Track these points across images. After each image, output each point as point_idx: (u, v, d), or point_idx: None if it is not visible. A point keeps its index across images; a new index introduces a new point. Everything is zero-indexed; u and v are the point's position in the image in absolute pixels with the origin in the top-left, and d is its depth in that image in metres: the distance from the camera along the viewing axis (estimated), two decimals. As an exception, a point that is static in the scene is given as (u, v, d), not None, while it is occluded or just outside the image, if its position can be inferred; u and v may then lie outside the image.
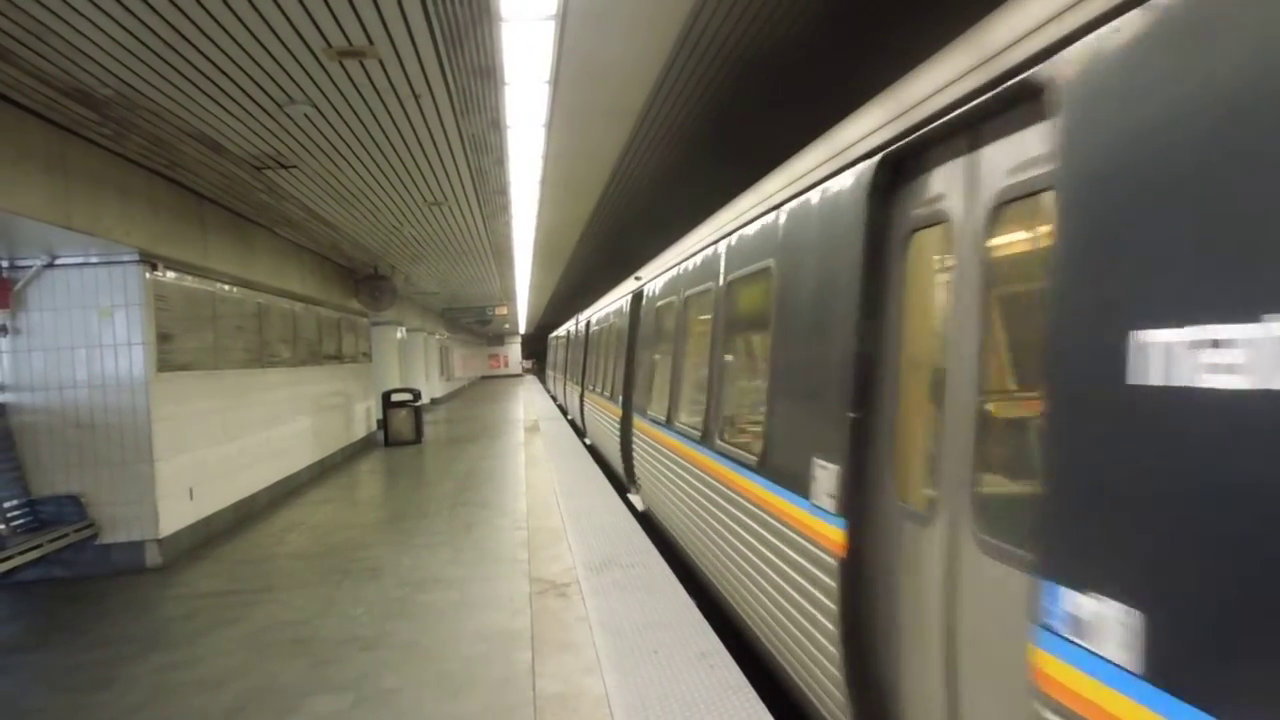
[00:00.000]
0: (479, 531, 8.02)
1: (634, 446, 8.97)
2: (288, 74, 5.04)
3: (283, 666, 4.80)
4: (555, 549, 6.93)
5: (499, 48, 5.06)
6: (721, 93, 6.69)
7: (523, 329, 54.04)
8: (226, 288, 9.14)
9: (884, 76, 3.14)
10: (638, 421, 8.67)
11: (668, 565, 6.21)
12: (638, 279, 9.59)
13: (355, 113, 5.88)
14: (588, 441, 14.79)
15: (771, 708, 3.91)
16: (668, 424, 6.81)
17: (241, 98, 5.39)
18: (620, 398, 10.27)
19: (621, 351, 10.54)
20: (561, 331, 25.39)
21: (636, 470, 8.83)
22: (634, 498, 9.10)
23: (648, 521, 8.09)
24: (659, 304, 7.82)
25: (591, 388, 13.90)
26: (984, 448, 2.38)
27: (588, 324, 15.77)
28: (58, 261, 7.12)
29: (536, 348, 63.10)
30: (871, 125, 3.07)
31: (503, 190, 9.12)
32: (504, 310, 28.48)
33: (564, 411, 21.61)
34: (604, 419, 11.96)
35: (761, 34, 5.61)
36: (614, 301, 12.02)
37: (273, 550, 7.76)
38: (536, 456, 12.87)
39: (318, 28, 4.41)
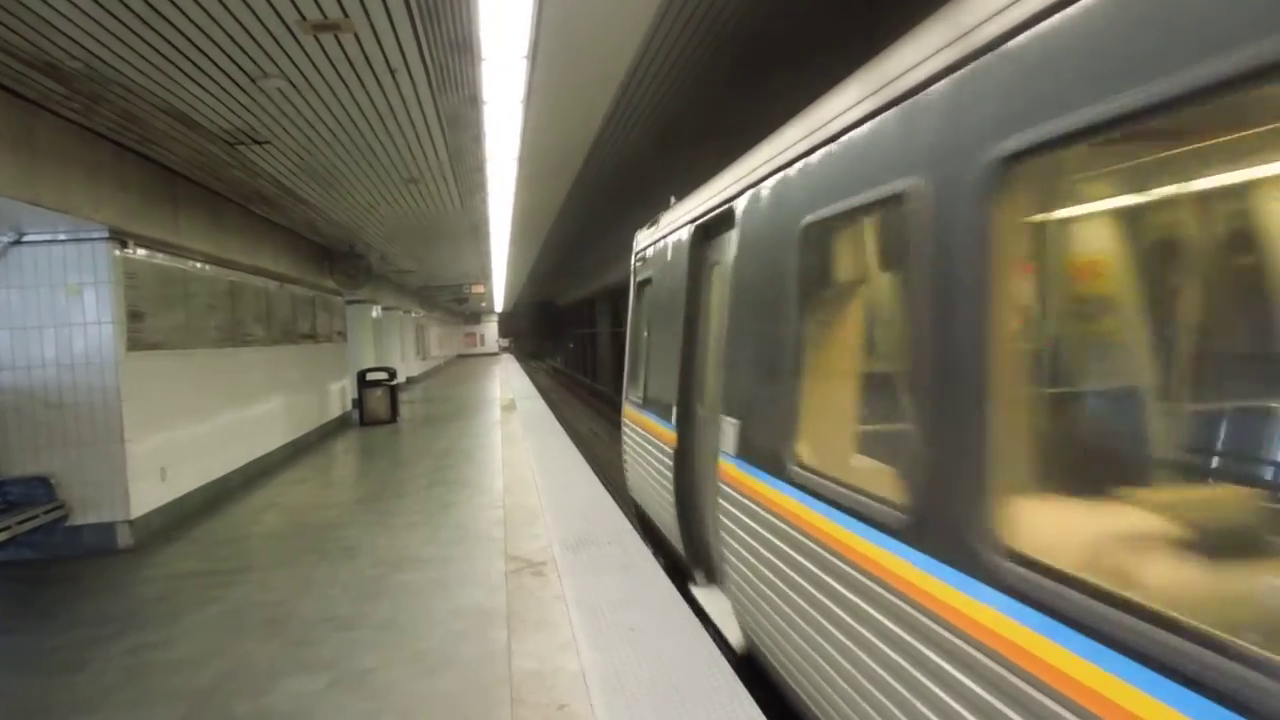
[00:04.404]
0: (455, 510, 8.02)
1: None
2: (261, 48, 4.94)
3: (258, 647, 4.79)
4: (532, 527, 6.95)
5: (476, 21, 4.99)
6: (702, 65, 6.64)
7: (499, 307, 53.79)
8: (199, 265, 8.99)
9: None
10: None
11: (644, 543, 6.26)
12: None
13: (330, 88, 5.79)
14: None
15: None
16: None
17: (214, 71, 5.28)
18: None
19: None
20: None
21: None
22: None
23: (623, 499, 8.13)
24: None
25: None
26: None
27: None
28: (25, 239, 6.95)
29: (515, 326, 62.80)
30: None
31: (480, 167, 9.04)
32: (480, 289, 28.33)
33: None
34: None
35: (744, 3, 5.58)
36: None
37: (247, 531, 7.71)
38: (513, 435, 12.85)
39: (292, 0, 4.33)
